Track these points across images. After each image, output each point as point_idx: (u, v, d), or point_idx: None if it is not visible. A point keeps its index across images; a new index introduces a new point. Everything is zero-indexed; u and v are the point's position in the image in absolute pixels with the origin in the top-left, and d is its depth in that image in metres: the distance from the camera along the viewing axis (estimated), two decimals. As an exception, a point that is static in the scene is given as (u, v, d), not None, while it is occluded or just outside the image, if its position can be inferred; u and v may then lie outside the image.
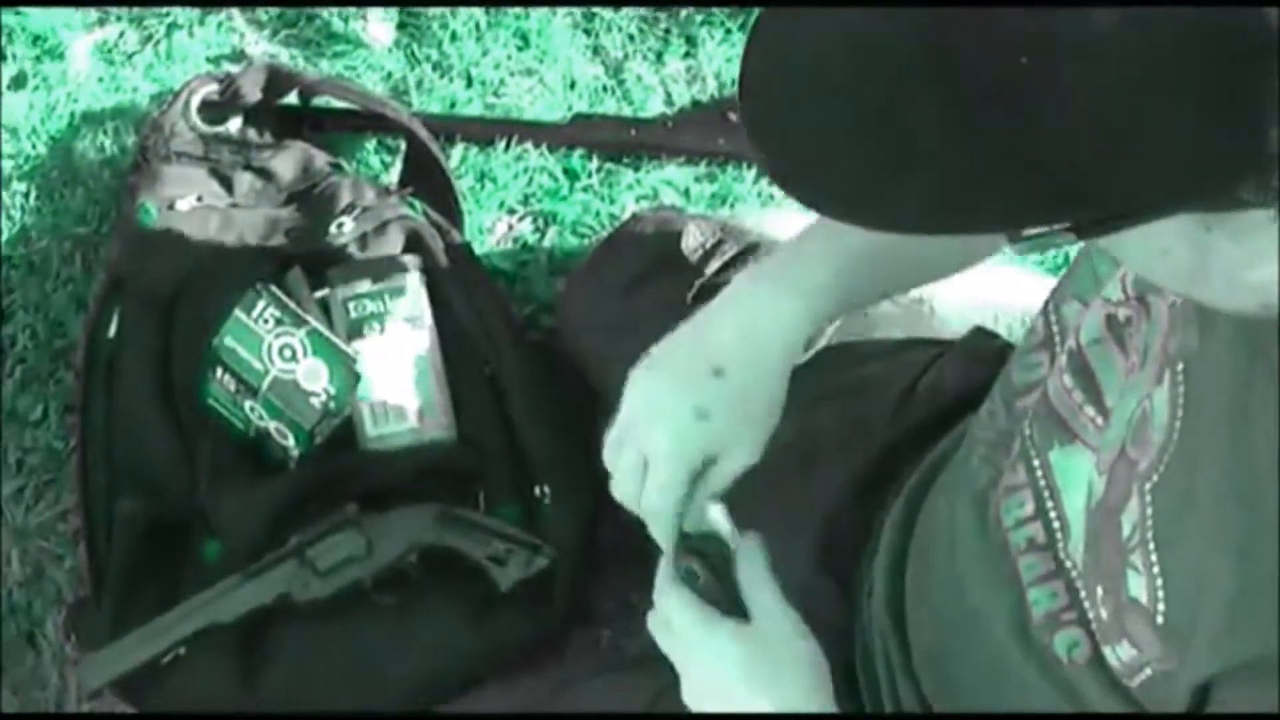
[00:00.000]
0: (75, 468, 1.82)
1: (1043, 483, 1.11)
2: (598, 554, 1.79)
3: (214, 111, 1.96)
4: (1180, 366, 0.96)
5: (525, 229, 2.03)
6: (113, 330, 1.83)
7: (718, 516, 1.21)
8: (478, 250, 1.93)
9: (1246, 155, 0.67)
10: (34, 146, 2.04)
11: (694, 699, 1.20)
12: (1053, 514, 1.10)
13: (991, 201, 0.72)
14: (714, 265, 1.70)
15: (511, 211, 2.04)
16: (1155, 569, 0.97)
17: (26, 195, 2.02)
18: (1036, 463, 1.12)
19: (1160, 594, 0.97)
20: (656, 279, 1.73)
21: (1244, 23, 0.64)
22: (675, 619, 1.19)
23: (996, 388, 1.22)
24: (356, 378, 1.73)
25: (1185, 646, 0.95)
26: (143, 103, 2.06)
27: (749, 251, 1.69)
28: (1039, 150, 0.69)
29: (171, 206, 1.88)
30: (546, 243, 2.01)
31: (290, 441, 1.73)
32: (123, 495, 1.77)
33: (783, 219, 1.80)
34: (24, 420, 1.90)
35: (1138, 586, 0.99)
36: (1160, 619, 0.97)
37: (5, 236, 2.00)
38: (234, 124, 1.96)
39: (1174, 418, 0.97)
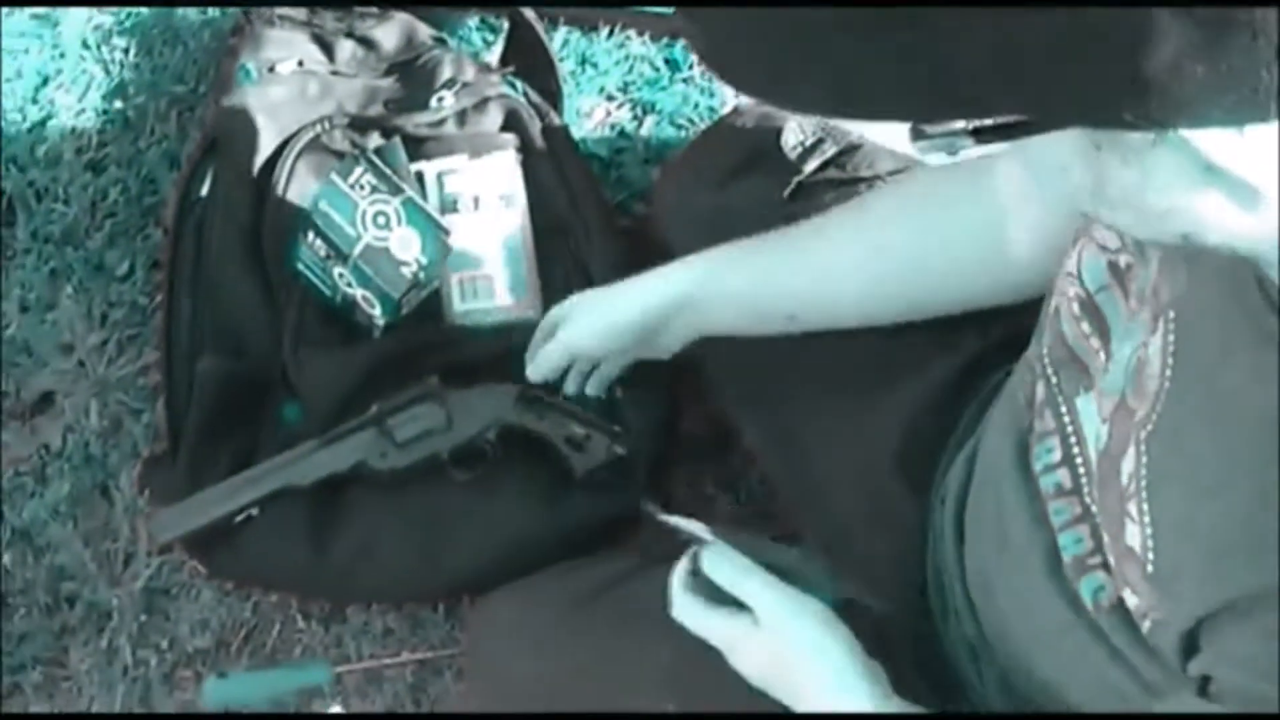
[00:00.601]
0: (160, 324, 1.85)
1: (1070, 428, 1.14)
2: (675, 446, 1.83)
3: (321, -24, 1.97)
4: (1172, 314, 1.00)
5: (623, 116, 2.04)
6: (204, 190, 1.85)
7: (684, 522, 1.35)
8: (575, 134, 1.94)
9: (1124, 77, 0.70)
10: (136, 2, 2.06)
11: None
12: (1079, 459, 1.13)
13: (888, 97, 0.77)
14: (812, 164, 1.70)
15: (611, 98, 2.05)
16: (1146, 518, 1.01)
17: (126, 51, 2.04)
18: (1064, 409, 1.15)
19: (1150, 543, 1.01)
20: (752, 174, 1.74)
21: None
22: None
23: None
24: (448, 250, 1.74)
25: (1172, 595, 0.98)
26: (248, -35, 2.08)
27: (848, 152, 1.70)
28: (934, 55, 0.73)
29: (272, 69, 1.90)
30: (644, 131, 2.02)
31: (377, 310, 1.75)
32: (205, 354, 1.80)
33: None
34: (111, 274, 1.93)
35: (1132, 535, 1.02)
36: (1150, 567, 1.01)
37: (102, 91, 2.02)
38: (340, -10, 1.97)
39: (1165, 365, 1.00)
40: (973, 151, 0.82)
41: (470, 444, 1.72)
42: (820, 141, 1.72)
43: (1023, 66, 0.73)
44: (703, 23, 0.81)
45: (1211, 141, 0.76)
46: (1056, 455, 1.16)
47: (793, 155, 1.72)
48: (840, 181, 1.68)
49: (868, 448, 1.52)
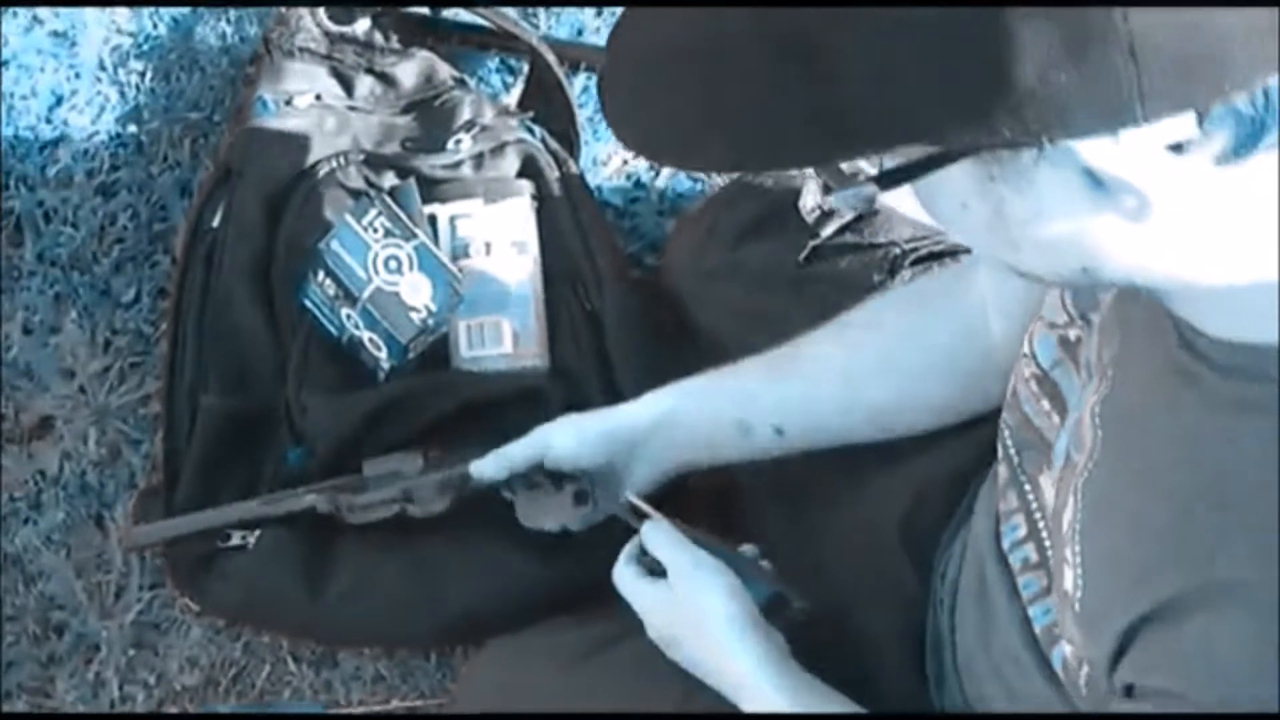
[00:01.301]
0: (163, 354, 1.87)
1: (1034, 504, 1.19)
2: (676, 502, 1.84)
3: (342, 12, 1.98)
4: (1110, 372, 1.06)
5: (640, 165, 2.05)
6: (216, 220, 1.87)
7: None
8: (591, 182, 1.96)
9: (996, 89, 0.76)
10: (155, 26, 2.07)
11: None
12: (1044, 533, 1.17)
13: (790, 142, 0.83)
14: (829, 229, 1.72)
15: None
16: (1078, 559, 1.06)
17: (142, 75, 2.05)
18: (1028, 487, 1.20)
19: (1080, 582, 1.06)
20: (768, 234, 1.76)
21: None
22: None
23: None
24: (459, 298, 1.76)
25: (1096, 630, 1.03)
26: (269, -6, 2.10)
27: (866, 217, 1.74)
28: (822, 91, 0.80)
29: (289, 101, 1.92)
30: (659, 182, 2.03)
31: (383, 354, 1.77)
32: (208, 387, 1.82)
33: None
34: (116, 301, 1.94)
35: (1067, 579, 1.07)
36: (1078, 606, 1.06)
37: (117, 114, 2.04)
38: (361, 26, 1.98)
39: (1094, 414, 1.06)
40: (884, 199, 0.88)
41: (434, 489, 1.69)
42: (837, 206, 1.75)
43: (900, 90, 0.79)
44: (612, 100, 0.90)
45: (1091, 150, 0.80)
46: (1022, 531, 1.20)
47: (810, 218, 1.74)
48: (856, 247, 1.70)
49: (874, 517, 1.55)
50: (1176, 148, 0.80)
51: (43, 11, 2.07)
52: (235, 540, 1.73)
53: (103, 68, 2.07)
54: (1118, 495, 1.04)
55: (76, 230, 1.98)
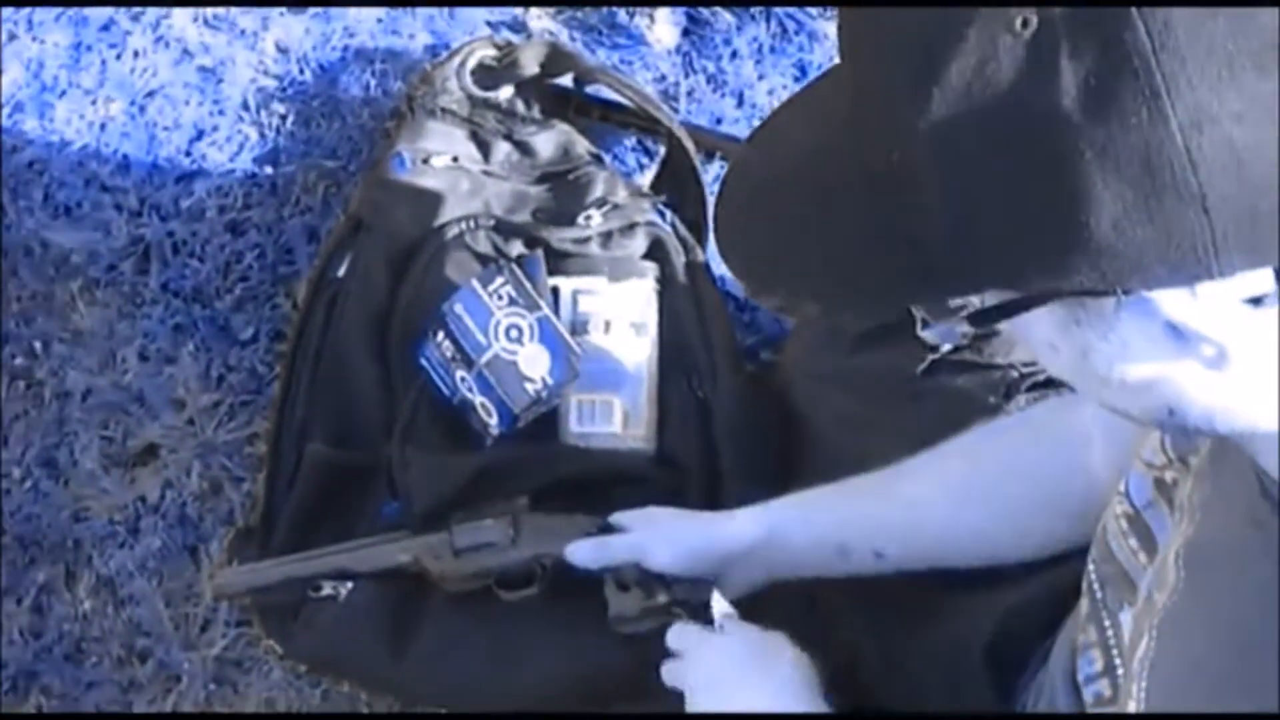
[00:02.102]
0: (275, 395, 1.92)
1: (1111, 640, 1.21)
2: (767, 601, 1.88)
3: (487, 76, 2.03)
4: (1198, 516, 1.08)
5: (765, 260, 2.10)
6: (342, 270, 1.93)
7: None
8: (715, 271, 1.98)
9: (1072, 240, 0.81)
10: (301, 71, 2.14)
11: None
12: (1119, 669, 1.20)
13: (876, 277, 0.90)
14: (948, 344, 1.78)
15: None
16: (1143, 694, 1.09)
17: (284, 118, 2.12)
18: (1107, 622, 1.22)
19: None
20: (886, 344, 1.78)
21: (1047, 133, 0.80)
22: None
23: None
24: (575, 374, 1.80)
25: None
26: (416, 52, 2.15)
27: (985, 337, 1.77)
28: (907, 230, 0.86)
29: (426, 160, 1.96)
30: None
31: (494, 420, 1.81)
32: (315, 434, 1.87)
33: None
34: (234, 338, 2.00)
35: (1131, 711, 1.11)
36: None
37: (254, 154, 2.10)
38: (504, 92, 2.03)
39: (1178, 555, 1.08)
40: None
41: (523, 566, 1.73)
42: (959, 322, 1.78)
43: (983, 233, 0.84)
44: (721, 221, 0.98)
45: (1170, 302, 0.84)
46: (1098, 666, 1.23)
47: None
48: (975, 365, 1.74)
49: (961, 637, 1.58)
50: (1255, 301, 0.84)
51: (193, 45, 2.14)
52: (327, 590, 1.76)
53: (246, 107, 2.13)
54: (1187, 636, 1.07)
55: (203, 264, 2.04)
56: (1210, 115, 0.79)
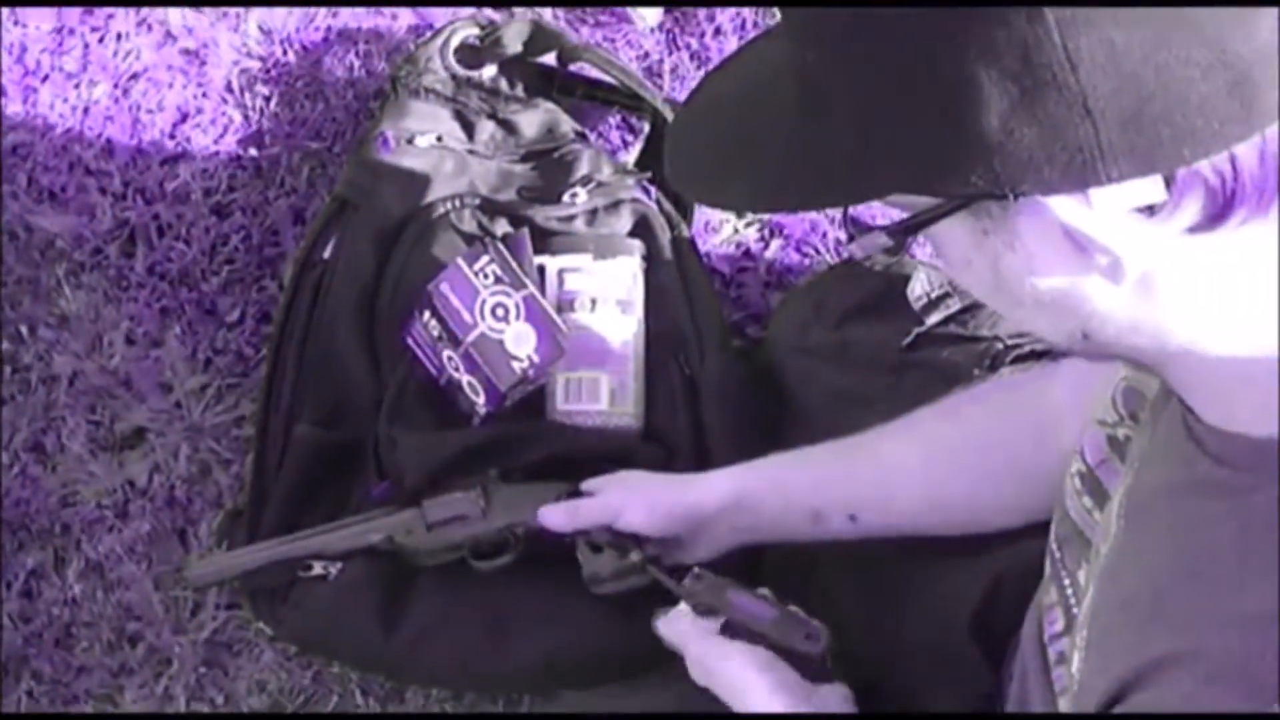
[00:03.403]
0: (262, 378, 1.94)
1: (1071, 599, 1.24)
2: (762, 572, 1.89)
3: (471, 55, 2.06)
4: (1136, 465, 1.12)
5: (750, 235, 2.11)
6: (328, 251, 1.95)
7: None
8: (701, 248, 2.02)
9: (963, 138, 0.86)
10: (285, 53, 2.15)
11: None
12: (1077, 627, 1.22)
13: (798, 185, 0.96)
14: (935, 317, 1.77)
15: (740, 215, 2.13)
16: (1084, 642, 1.12)
17: (268, 100, 2.13)
18: (1066, 581, 1.25)
19: (1081, 665, 1.12)
20: (872, 317, 1.82)
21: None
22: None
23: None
24: (561, 352, 1.82)
25: (1085, 706, 1.08)
26: (399, 32, 2.16)
27: (972, 309, 1.79)
28: (825, 142, 0.93)
29: (411, 140, 1.99)
30: (769, 254, 2.09)
31: (480, 399, 1.83)
32: (303, 415, 1.89)
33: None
34: (221, 320, 2.02)
35: (1075, 663, 1.14)
36: (1075, 687, 1.13)
37: (239, 136, 2.12)
38: (488, 72, 2.05)
39: (1121, 505, 1.12)
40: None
41: (496, 536, 1.76)
42: (946, 296, 1.79)
43: (884, 134, 0.90)
44: (668, 139, 1.07)
45: (1064, 208, 0.89)
46: (1059, 625, 1.25)
47: (917, 305, 1.79)
48: (960, 338, 1.76)
49: (948, 606, 1.59)
50: (1147, 211, 0.88)
51: (176, 28, 2.16)
52: (317, 570, 1.78)
53: (230, 89, 2.15)
54: (1121, 581, 1.10)
55: (188, 247, 2.06)
56: (1087, 17, 0.83)
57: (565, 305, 1.90)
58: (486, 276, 1.81)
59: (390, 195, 1.96)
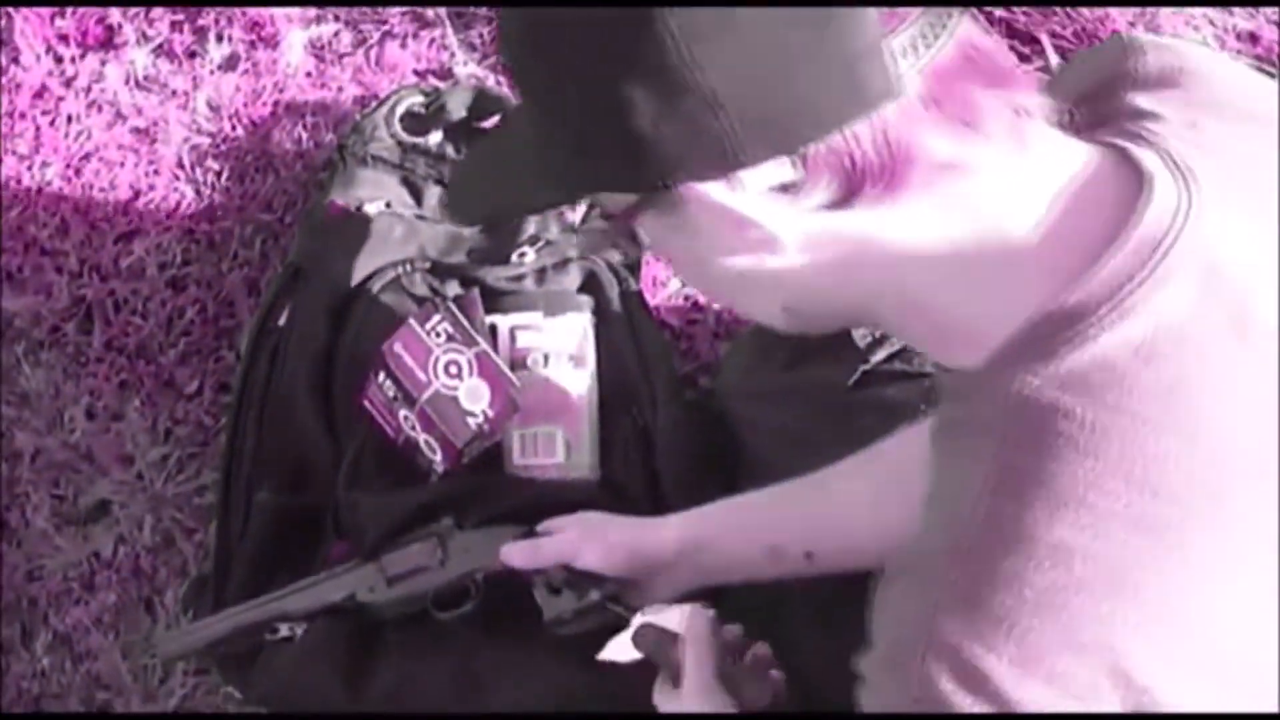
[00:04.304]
0: (222, 447, 1.97)
1: None
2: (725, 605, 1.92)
3: (416, 123, 2.11)
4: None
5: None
6: (282, 319, 1.99)
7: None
8: (650, 301, 2.05)
9: (623, 139, 1.00)
10: (234, 128, 2.21)
11: None
12: None
13: (532, 189, 1.11)
14: (880, 354, 1.79)
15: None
16: None
17: (219, 174, 2.18)
18: None
19: None
20: (819, 358, 1.83)
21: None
22: None
23: None
24: (516, 407, 1.86)
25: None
26: (345, 103, 2.22)
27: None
28: (541, 149, 1.08)
29: (359, 208, 2.04)
30: (716, 305, 2.13)
31: (438, 456, 1.86)
32: (264, 482, 1.92)
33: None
34: (180, 391, 2.06)
35: None
36: None
37: (191, 211, 2.16)
38: (433, 138, 2.11)
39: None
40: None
41: (456, 585, 1.79)
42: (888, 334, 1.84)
43: (560, 142, 1.05)
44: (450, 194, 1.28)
45: (718, 191, 1.02)
46: None
47: (861, 344, 1.82)
48: (905, 374, 1.79)
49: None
50: (785, 189, 1.01)
51: (126, 108, 2.21)
52: (284, 632, 1.81)
53: (181, 165, 2.20)
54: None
55: (145, 321, 2.10)
56: (708, 23, 0.95)
57: (518, 362, 1.94)
58: (439, 335, 1.85)
59: (341, 262, 2.00)
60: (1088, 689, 1.00)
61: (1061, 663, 1.00)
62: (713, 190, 1.02)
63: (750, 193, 1.01)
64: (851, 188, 1.01)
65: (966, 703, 1.01)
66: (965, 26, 1.02)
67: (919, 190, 1.02)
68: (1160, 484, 1.00)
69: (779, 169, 1.00)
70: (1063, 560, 1.00)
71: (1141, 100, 1.15)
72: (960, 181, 1.03)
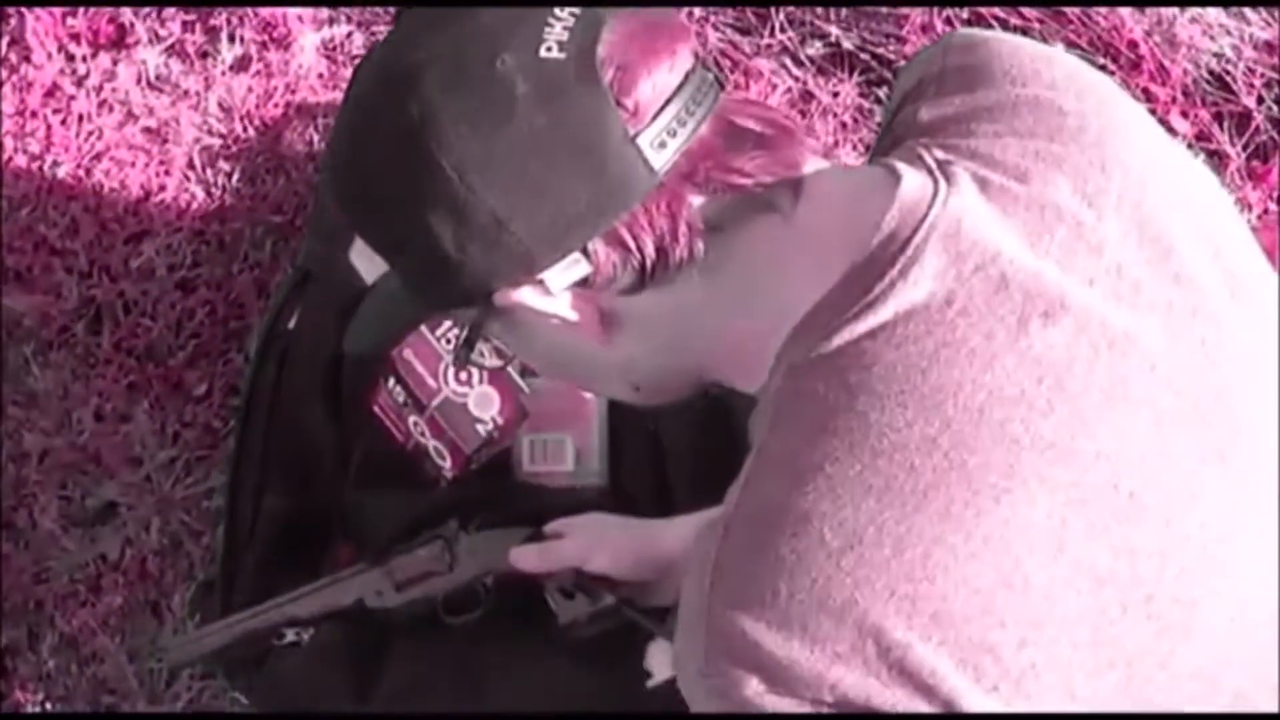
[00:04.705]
0: (230, 450, 1.97)
1: None
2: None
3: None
4: None
5: (710, 296, 2.16)
6: (292, 322, 1.98)
7: None
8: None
9: (438, 266, 1.10)
10: (245, 129, 2.20)
11: None
12: None
13: (421, 304, 1.20)
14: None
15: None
16: None
17: (230, 175, 2.18)
18: None
19: None
20: None
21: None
22: None
23: None
24: (526, 414, 1.86)
25: None
26: (357, 105, 2.23)
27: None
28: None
29: (370, 212, 2.04)
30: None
31: (446, 462, 1.86)
32: (272, 487, 1.91)
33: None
34: (188, 394, 2.06)
35: None
36: None
37: (201, 212, 2.16)
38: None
39: None
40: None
41: (466, 588, 1.78)
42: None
43: (403, 270, 1.17)
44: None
45: (531, 296, 1.12)
46: None
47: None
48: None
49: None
50: (585, 283, 1.10)
51: (137, 108, 2.20)
52: (290, 637, 1.81)
53: (191, 166, 2.20)
54: None
55: (154, 322, 2.10)
56: (474, 156, 1.06)
57: (529, 369, 1.92)
58: (449, 341, 1.84)
59: (350, 265, 1.97)
60: (850, 649, 1.05)
61: (823, 626, 1.06)
62: (526, 295, 1.11)
63: (557, 291, 1.11)
64: (643, 268, 1.10)
65: (740, 674, 1.07)
66: (724, 101, 1.12)
67: (711, 254, 1.11)
68: (895, 452, 1.07)
69: (575, 267, 1.10)
70: (807, 528, 1.07)
71: (926, 113, 1.23)
72: (740, 235, 1.12)
